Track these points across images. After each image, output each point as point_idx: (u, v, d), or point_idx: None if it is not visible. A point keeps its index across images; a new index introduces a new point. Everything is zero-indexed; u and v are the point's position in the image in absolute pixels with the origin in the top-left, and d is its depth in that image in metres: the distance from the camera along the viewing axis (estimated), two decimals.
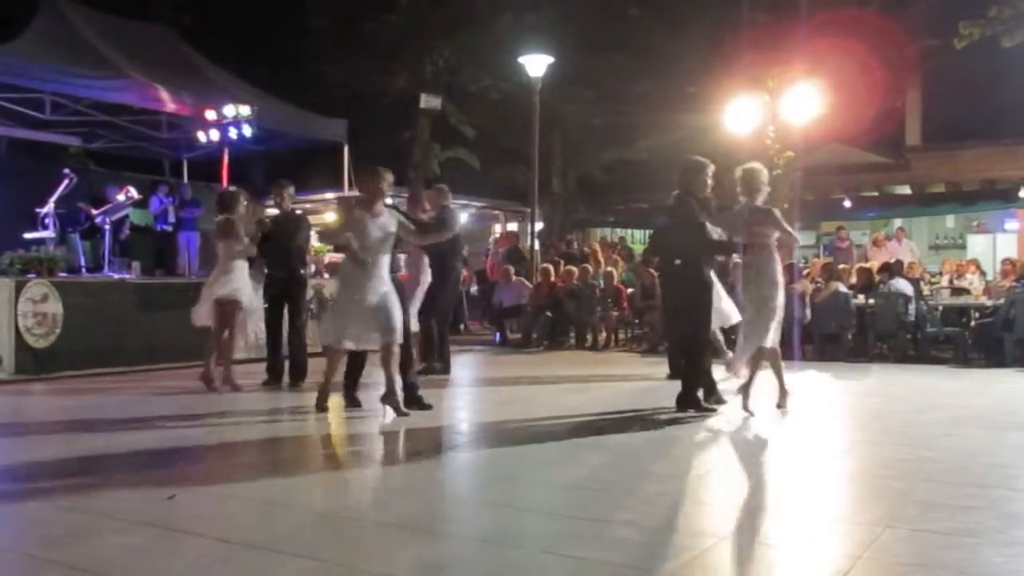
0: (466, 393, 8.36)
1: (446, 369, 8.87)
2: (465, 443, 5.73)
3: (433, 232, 7.24)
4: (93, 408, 6.94)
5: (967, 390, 8.00)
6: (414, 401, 6.53)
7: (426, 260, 7.93)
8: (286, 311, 8.20)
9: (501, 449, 5.39)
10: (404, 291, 6.74)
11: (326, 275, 12.82)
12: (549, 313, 12.82)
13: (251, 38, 18.65)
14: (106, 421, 6.25)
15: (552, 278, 13.34)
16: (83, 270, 10.29)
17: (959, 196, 19.48)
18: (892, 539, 3.42)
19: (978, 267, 13.42)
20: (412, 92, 18.79)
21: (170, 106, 11.33)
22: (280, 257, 8.08)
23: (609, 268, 13.96)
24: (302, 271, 8.46)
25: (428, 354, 8.57)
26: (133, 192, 11.77)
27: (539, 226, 17.54)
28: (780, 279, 6.42)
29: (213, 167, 13.70)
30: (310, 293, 10.44)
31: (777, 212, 6.51)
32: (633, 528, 3.60)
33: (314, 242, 11.32)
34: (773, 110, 12.53)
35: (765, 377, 6.62)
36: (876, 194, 20.62)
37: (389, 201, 6.65)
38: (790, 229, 6.66)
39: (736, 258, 6.74)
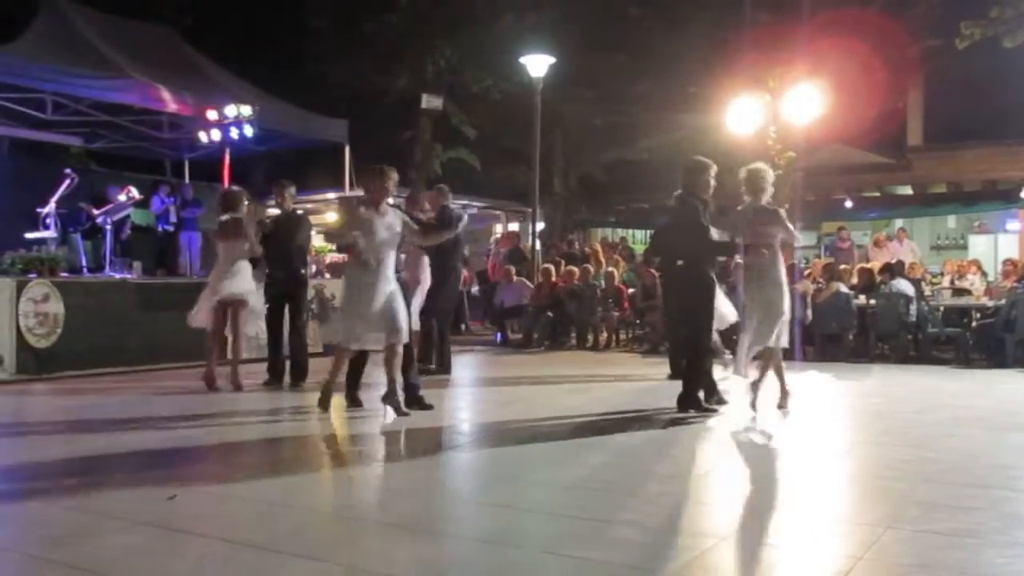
0: (467, 393, 8.36)
1: (447, 369, 8.87)
2: (466, 443, 5.73)
3: (435, 232, 7.24)
4: (94, 408, 6.94)
5: (968, 391, 7.99)
6: (415, 401, 6.53)
7: (426, 260, 7.93)
8: (287, 311, 8.20)
9: (502, 449, 5.38)
10: (407, 291, 6.74)
11: (327, 275, 12.83)
12: (550, 313, 12.82)
13: (251, 38, 18.65)
14: (107, 421, 6.25)
15: (553, 278, 13.34)
16: (84, 270, 10.28)
17: (960, 196, 19.47)
18: (893, 540, 3.42)
19: (979, 268, 13.40)
20: (413, 92, 18.80)
21: (171, 106, 11.32)
22: (281, 257, 8.08)
23: (610, 268, 13.95)
24: (303, 271, 8.46)
25: (426, 354, 8.57)
26: (134, 192, 11.78)
27: (540, 226, 17.55)
28: (784, 280, 6.43)
29: (214, 167, 13.70)
30: (311, 293, 10.45)
31: (783, 212, 6.51)
32: (634, 528, 3.60)
33: (315, 242, 11.33)
34: (774, 110, 12.52)
35: (766, 377, 6.62)
36: (877, 194, 20.61)
37: (390, 201, 6.65)
38: (792, 228, 6.66)
39: (738, 259, 6.73)
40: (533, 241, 16.05)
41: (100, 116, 12.25)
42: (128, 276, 10.14)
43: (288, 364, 8.16)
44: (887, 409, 6.94)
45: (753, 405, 6.37)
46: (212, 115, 11.70)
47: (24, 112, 11.69)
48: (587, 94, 19.25)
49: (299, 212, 8.77)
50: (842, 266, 12.11)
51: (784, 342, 6.50)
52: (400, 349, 6.29)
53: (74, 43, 10.94)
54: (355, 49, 18.46)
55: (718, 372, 7.09)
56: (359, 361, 6.71)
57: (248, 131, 11.75)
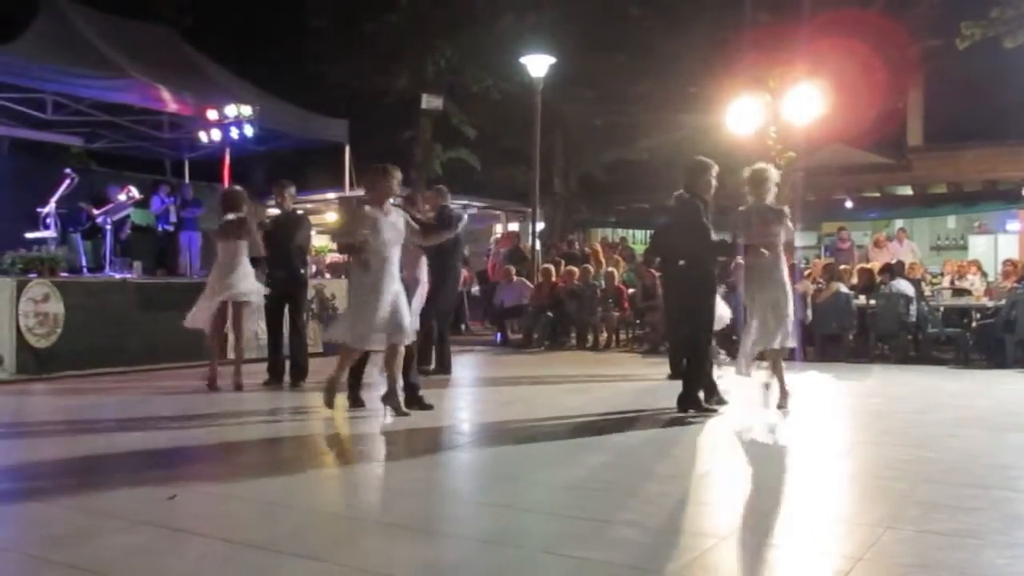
0: (467, 393, 8.36)
1: (447, 369, 8.87)
2: (466, 443, 5.73)
3: (435, 233, 7.24)
4: (94, 408, 6.95)
5: (968, 391, 7.99)
6: (415, 401, 6.53)
7: (423, 259, 7.94)
8: (287, 311, 8.20)
9: (502, 449, 5.38)
10: (407, 291, 6.74)
11: (327, 275, 12.83)
12: (550, 313, 12.82)
13: (251, 38, 18.65)
14: (107, 421, 6.26)
15: (553, 278, 13.34)
16: (84, 270, 10.29)
17: (960, 197, 19.47)
18: (893, 540, 3.41)
19: (979, 268, 13.40)
20: (413, 92, 18.79)
21: (172, 106, 11.33)
22: (281, 257, 8.08)
23: (610, 268, 13.95)
24: (303, 271, 8.46)
25: (426, 355, 8.56)
26: (134, 192, 11.78)
27: (540, 226, 17.55)
28: (788, 280, 6.44)
29: (215, 167, 13.70)
30: (311, 293, 10.45)
31: (787, 211, 6.50)
32: (634, 528, 3.60)
33: (315, 242, 11.33)
34: (775, 110, 12.53)
35: (777, 377, 6.62)
36: (878, 195, 20.61)
37: (392, 200, 6.64)
38: (791, 228, 6.67)
39: (739, 259, 6.73)
40: (533, 241, 16.05)
41: (100, 116, 12.26)
42: (128, 276, 10.13)
43: (288, 364, 8.16)
44: (887, 409, 6.94)
45: (765, 404, 6.42)
46: (212, 115, 11.70)
47: (24, 112, 11.70)
48: (587, 94, 19.25)
49: (299, 212, 8.77)
50: (842, 266, 12.11)
51: (792, 342, 6.52)
52: (402, 349, 6.29)
53: (74, 43, 10.94)
54: (355, 49, 18.46)
55: (715, 372, 7.08)
56: (360, 361, 6.71)
57: (248, 131, 11.76)
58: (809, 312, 10.39)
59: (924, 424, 6.14)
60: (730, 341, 9.24)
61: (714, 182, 6.56)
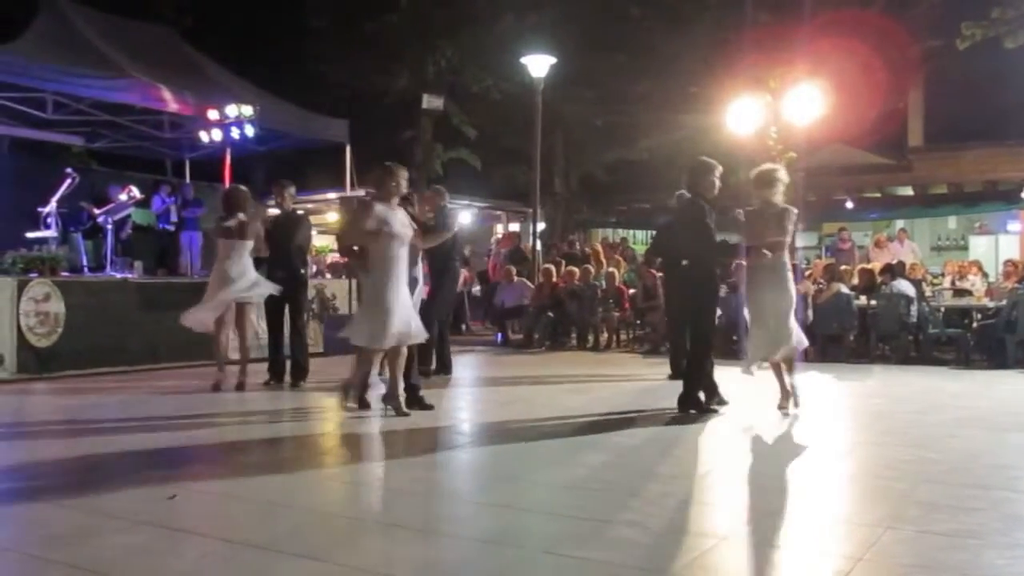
0: (467, 393, 8.36)
1: (447, 369, 8.87)
2: (466, 443, 5.72)
3: (435, 233, 7.24)
4: (95, 408, 6.95)
5: (969, 391, 7.99)
6: (415, 401, 6.52)
7: (419, 259, 7.94)
8: (287, 311, 8.20)
9: (502, 449, 5.38)
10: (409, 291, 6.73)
11: (328, 275, 12.84)
12: (551, 314, 12.82)
13: (251, 38, 18.66)
14: (108, 421, 6.26)
15: (554, 278, 13.34)
16: (85, 269, 10.29)
17: (961, 197, 19.46)
18: (894, 540, 3.41)
19: (980, 268, 13.40)
20: (413, 92, 18.79)
21: (172, 106, 11.32)
22: (281, 257, 8.07)
23: (611, 269, 13.95)
24: (303, 271, 8.45)
25: (426, 355, 8.56)
26: (135, 191, 11.78)
27: (541, 226, 17.55)
28: (791, 282, 6.44)
29: (215, 167, 13.71)
30: (311, 293, 10.45)
31: (795, 212, 6.47)
32: (635, 528, 3.60)
33: (315, 242, 11.32)
34: (775, 111, 12.53)
35: (767, 378, 6.62)
36: (878, 195, 20.60)
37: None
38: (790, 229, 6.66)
39: (741, 260, 6.72)
40: (534, 241, 16.04)
41: (101, 116, 12.26)
42: (129, 276, 10.14)
43: (289, 364, 8.16)
44: (888, 409, 6.94)
45: (796, 403, 6.42)
46: (213, 115, 11.70)
47: (25, 111, 11.70)
48: (588, 94, 19.25)
49: (299, 212, 8.77)
50: (843, 267, 12.10)
51: (805, 342, 6.50)
52: (405, 350, 6.28)
53: (75, 43, 10.94)
54: (355, 49, 18.46)
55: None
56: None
57: (249, 131, 11.76)
58: (810, 313, 10.39)
59: (925, 424, 6.14)
60: (734, 341, 9.26)
61: (717, 183, 6.56)
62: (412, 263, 7.20)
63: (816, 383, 8.58)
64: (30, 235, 10.13)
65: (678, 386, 6.63)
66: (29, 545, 3.41)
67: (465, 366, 10.05)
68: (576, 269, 13.31)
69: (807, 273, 12.08)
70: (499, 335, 13.69)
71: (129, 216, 12.31)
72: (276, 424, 6.42)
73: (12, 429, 6.12)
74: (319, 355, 9.73)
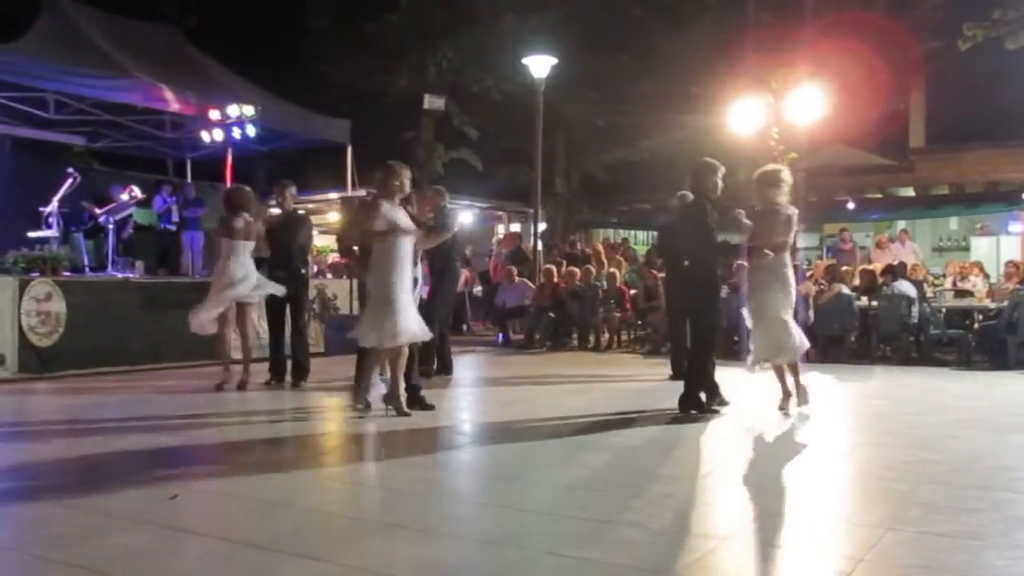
0: (468, 394, 8.36)
1: (448, 369, 8.87)
2: (467, 443, 5.72)
3: (434, 234, 7.24)
4: (96, 407, 6.95)
5: (971, 392, 7.98)
6: (416, 401, 6.52)
7: (419, 259, 7.94)
8: (288, 311, 8.20)
9: (503, 449, 5.38)
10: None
11: (329, 275, 12.84)
12: (552, 314, 12.81)
13: (253, 39, 18.68)
14: (109, 421, 6.26)
15: (555, 279, 13.33)
16: (87, 269, 10.30)
17: (963, 198, 19.44)
18: (894, 541, 3.41)
19: (981, 269, 13.38)
20: (414, 92, 18.80)
21: (174, 106, 11.32)
22: (282, 257, 8.08)
23: (612, 269, 13.95)
24: (304, 271, 8.45)
25: (426, 355, 8.56)
26: (137, 191, 11.79)
27: (542, 227, 17.54)
28: (792, 283, 6.45)
29: (217, 167, 13.71)
30: (312, 293, 10.45)
31: (796, 213, 6.47)
32: (636, 529, 3.60)
33: (316, 242, 11.32)
34: (777, 111, 12.52)
35: (768, 379, 6.61)
36: (880, 196, 20.59)
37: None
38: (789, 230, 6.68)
39: (743, 260, 6.73)
40: (535, 242, 16.04)
41: (103, 115, 12.27)
42: (130, 275, 10.15)
43: (290, 364, 8.16)
44: (889, 410, 6.93)
45: (806, 402, 6.46)
46: (214, 115, 11.70)
47: (27, 111, 11.71)
48: (589, 95, 19.25)
49: (300, 212, 8.77)
50: (844, 267, 12.10)
51: (806, 344, 6.51)
52: (406, 350, 6.28)
53: (77, 43, 10.95)
54: (356, 49, 18.46)
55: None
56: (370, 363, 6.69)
57: (250, 131, 11.76)
58: (811, 313, 10.39)
59: (926, 425, 6.13)
60: (734, 341, 9.25)
61: (720, 183, 6.56)
62: (412, 263, 7.21)
63: (817, 384, 8.56)
64: (32, 235, 10.14)
65: (679, 387, 6.62)
66: (30, 545, 3.41)
67: (466, 366, 10.05)
68: (577, 269, 13.30)
69: (808, 274, 12.07)
70: (500, 335, 13.68)
71: (130, 216, 12.32)
72: (277, 424, 6.42)
73: (13, 429, 6.13)
74: (320, 355, 9.73)
